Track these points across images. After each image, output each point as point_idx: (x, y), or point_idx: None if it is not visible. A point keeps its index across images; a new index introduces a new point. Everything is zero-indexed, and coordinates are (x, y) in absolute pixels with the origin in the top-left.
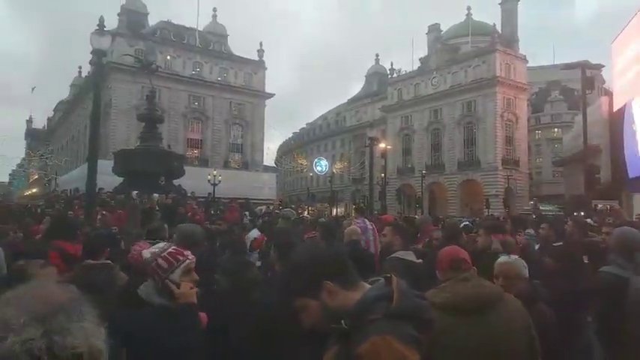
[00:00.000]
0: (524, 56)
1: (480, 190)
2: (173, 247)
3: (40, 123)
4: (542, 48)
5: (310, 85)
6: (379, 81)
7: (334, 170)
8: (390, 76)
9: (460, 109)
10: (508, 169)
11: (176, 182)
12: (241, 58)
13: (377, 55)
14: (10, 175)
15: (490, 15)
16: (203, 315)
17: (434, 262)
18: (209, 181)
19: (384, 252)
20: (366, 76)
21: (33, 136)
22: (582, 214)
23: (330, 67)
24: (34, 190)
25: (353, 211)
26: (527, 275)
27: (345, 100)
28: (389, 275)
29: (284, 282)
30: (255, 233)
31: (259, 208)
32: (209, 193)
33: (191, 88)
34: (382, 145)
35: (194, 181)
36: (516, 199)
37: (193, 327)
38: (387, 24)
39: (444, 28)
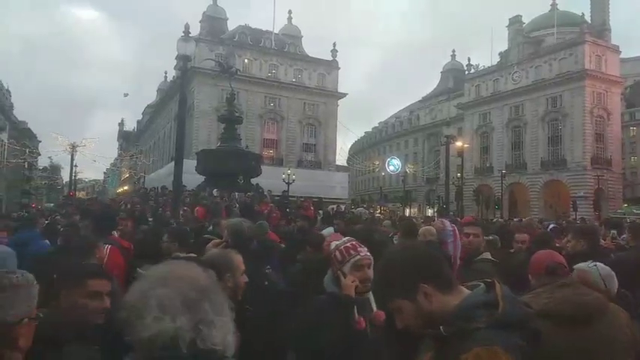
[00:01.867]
0: (617, 47)
1: (566, 192)
2: (352, 242)
3: (130, 125)
4: (637, 37)
5: (384, 84)
6: (455, 77)
7: (407, 170)
8: (467, 72)
9: (544, 105)
10: (598, 169)
11: (254, 181)
12: (315, 58)
13: (453, 51)
14: (104, 173)
15: (577, 4)
16: (381, 313)
17: (520, 266)
18: (284, 180)
19: (471, 254)
20: (441, 73)
21: (124, 137)
22: None
23: (405, 66)
24: (126, 188)
25: (433, 212)
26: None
27: (419, 98)
28: (490, 280)
29: (378, 282)
30: (329, 231)
31: (330, 207)
32: (283, 191)
33: (267, 90)
34: (459, 144)
35: (270, 179)
36: (608, 201)
37: (344, 319)
38: (464, 19)
39: (525, 20)
